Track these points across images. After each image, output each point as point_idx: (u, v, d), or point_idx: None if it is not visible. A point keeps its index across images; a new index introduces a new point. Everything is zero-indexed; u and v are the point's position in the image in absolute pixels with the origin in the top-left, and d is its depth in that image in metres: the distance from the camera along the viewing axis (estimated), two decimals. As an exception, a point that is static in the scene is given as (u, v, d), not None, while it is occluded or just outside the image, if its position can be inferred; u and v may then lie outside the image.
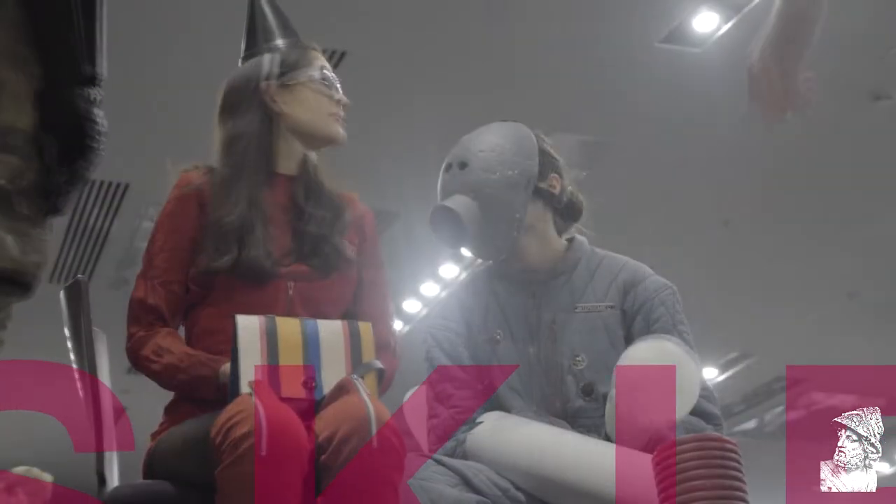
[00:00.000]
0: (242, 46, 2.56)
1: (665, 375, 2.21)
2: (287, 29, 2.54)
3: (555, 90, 5.64)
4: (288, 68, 2.47)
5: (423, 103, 5.70)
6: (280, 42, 2.51)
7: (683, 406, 2.23)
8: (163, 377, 2.31)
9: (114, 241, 7.00)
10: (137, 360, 2.34)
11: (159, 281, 2.36)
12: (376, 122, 5.25)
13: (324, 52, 2.59)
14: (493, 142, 2.46)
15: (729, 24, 5.16)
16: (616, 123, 5.95)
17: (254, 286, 2.32)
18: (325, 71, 2.50)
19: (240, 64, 2.55)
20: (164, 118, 5.58)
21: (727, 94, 5.65)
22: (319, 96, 2.47)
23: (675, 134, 6.00)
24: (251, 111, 2.44)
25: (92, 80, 1.60)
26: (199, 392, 2.29)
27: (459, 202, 2.40)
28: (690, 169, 6.36)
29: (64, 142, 1.58)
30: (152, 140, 5.51)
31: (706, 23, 5.18)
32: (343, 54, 5.26)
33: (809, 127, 6.00)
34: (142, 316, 2.35)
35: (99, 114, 1.60)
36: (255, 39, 2.53)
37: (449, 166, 2.47)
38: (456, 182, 2.44)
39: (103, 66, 1.62)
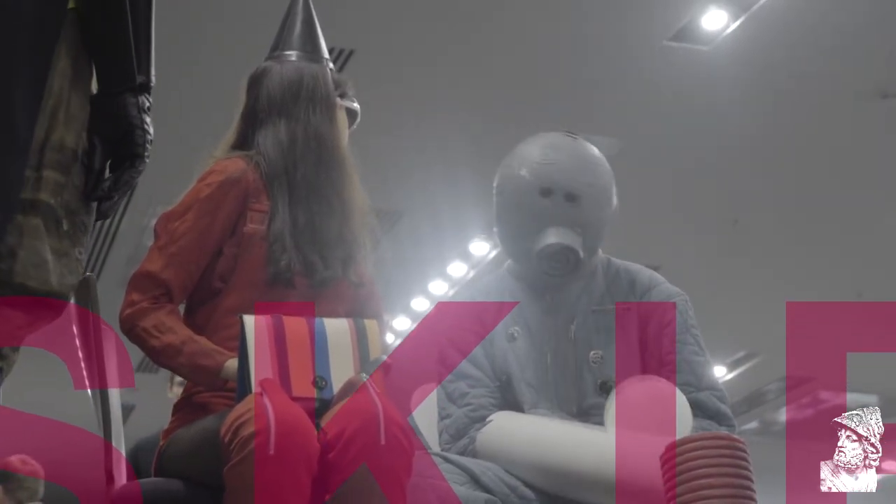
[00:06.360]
0: (292, 42, 2.52)
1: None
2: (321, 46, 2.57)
3: (563, 88, 5.63)
4: (344, 91, 2.52)
5: (429, 103, 5.70)
6: (327, 58, 2.54)
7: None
8: (160, 355, 2.26)
9: (122, 239, 7.01)
10: (133, 330, 2.27)
11: (179, 259, 2.31)
12: (382, 121, 5.25)
13: (331, 50, 2.59)
14: (597, 173, 2.48)
15: (738, 23, 5.16)
16: (624, 121, 5.94)
17: (287, 290, 2.32)
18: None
19: (287, 56, 2.51)
20: (168, 117, 5.58)
21: (735, 92, 5.65)
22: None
23: (684, 132, 6.00)
24: (325, 116, 2.46)
25: (143, 88, 1.63)
26: (194, 380, 2.28)
27: (574, 240, 2.40)
28: (699, 167, 6.35)
29: (112, 148, 1.61)
30: (157, 138, 5.47)
31: (715, 21, 5.18)
32: (351, 52, 5.27)
33: (818, 125, 5.99)
34: (150, 287, 2.30)
35: (147, 121, 1.63)
36: (312, 45, 2.52)
37: (548, 192, 2.42)
38: (564, 215, 2.41)
39: (152, 74, 1.65)
